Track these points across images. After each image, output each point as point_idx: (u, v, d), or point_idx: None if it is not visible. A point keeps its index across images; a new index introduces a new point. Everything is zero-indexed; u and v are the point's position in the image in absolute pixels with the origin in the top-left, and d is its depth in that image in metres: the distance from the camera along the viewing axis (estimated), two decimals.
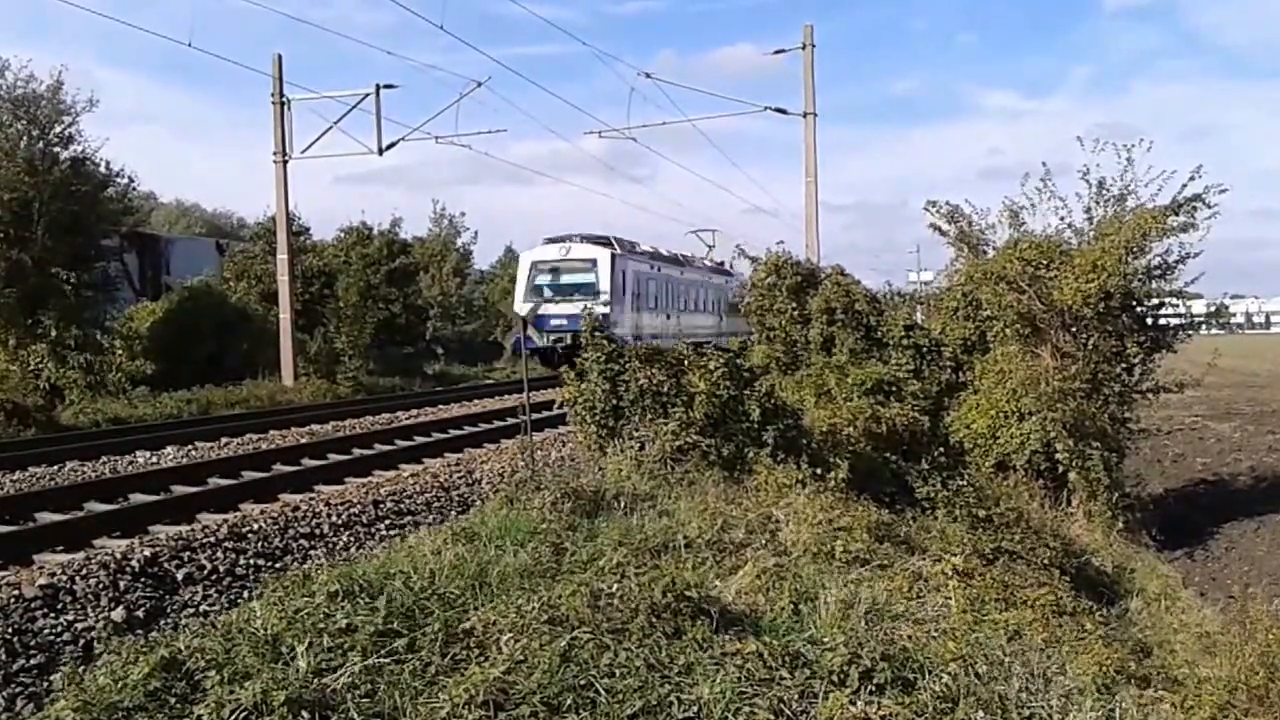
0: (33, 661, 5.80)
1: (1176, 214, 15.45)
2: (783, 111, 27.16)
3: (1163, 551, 14.95)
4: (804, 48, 26.77)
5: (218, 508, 10.20)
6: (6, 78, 24.40)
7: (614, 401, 11.21)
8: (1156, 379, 16.65)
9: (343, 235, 39.36)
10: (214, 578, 7.63)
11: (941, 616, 7.14)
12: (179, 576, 7.46)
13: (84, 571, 7.11)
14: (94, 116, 29.28)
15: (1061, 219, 16.77)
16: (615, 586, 6.27)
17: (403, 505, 10.41)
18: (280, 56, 27.24)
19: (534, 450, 11.08)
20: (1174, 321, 16.85)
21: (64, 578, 6.95)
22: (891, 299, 19.30)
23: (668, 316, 36.85)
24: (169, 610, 6.93)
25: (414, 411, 21.29)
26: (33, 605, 6.47)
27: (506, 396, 23.51)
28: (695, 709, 4.84)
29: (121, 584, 7.06)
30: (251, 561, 8.10)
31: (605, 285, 31.12)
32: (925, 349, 17.22)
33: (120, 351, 25.95)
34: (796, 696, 5.02)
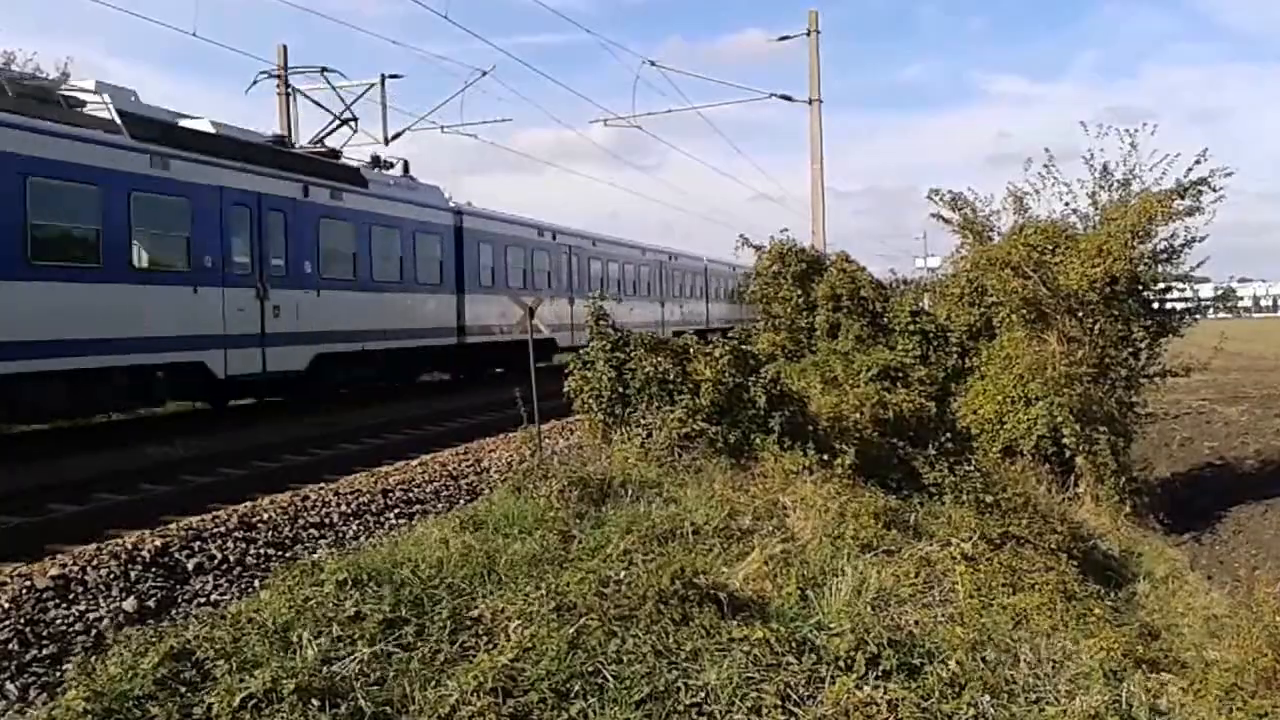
0: (45, 651, 5.84)
1: (1182, 198, 15.40)
2: (788, 98, 27.09)
3: (1170, 535, 14.94)
4: (809, 34, 26.66)
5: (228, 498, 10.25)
6: (12, 70, 24.41)
7: (620, 389, 11.23)
8: (1163, 363, 16.62)
9: None
10: (224, 567, 7.67)
11: (949, 601, 7.16)
12: (189, 566, 7.50)
13: (95, 562, 7.16)
14: None
15: (1066, 204, 16.75)
16: (623, 574, 6.31)
17: (411, 494, 10.45)
18: (285, 47, 27.19)
19: (541, 439, 11.10)
20: (1180, 306, 16.80)
21: (75, 568, 6.99)
22: (897, 286, 19.27)
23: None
24: (180, 600, 6.97)
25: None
26: (44, 596, 6.51)
27: None
28: (702, 695, 4.87)
29: (133, 574, 7.10)
30: (262, 551, 8.14)
31: None
32: (931, 335, 17.20)
33: None
34: (803, 682, 5.05)
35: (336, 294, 18.61)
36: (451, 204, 23.98)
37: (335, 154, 20.76)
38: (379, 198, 20.42)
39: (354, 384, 20.28)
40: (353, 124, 22.00)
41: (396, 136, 27.32)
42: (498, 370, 26.41)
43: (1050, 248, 15.73)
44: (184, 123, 16.13)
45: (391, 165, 22.50)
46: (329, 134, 22.06)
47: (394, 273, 20.83)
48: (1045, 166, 16.68)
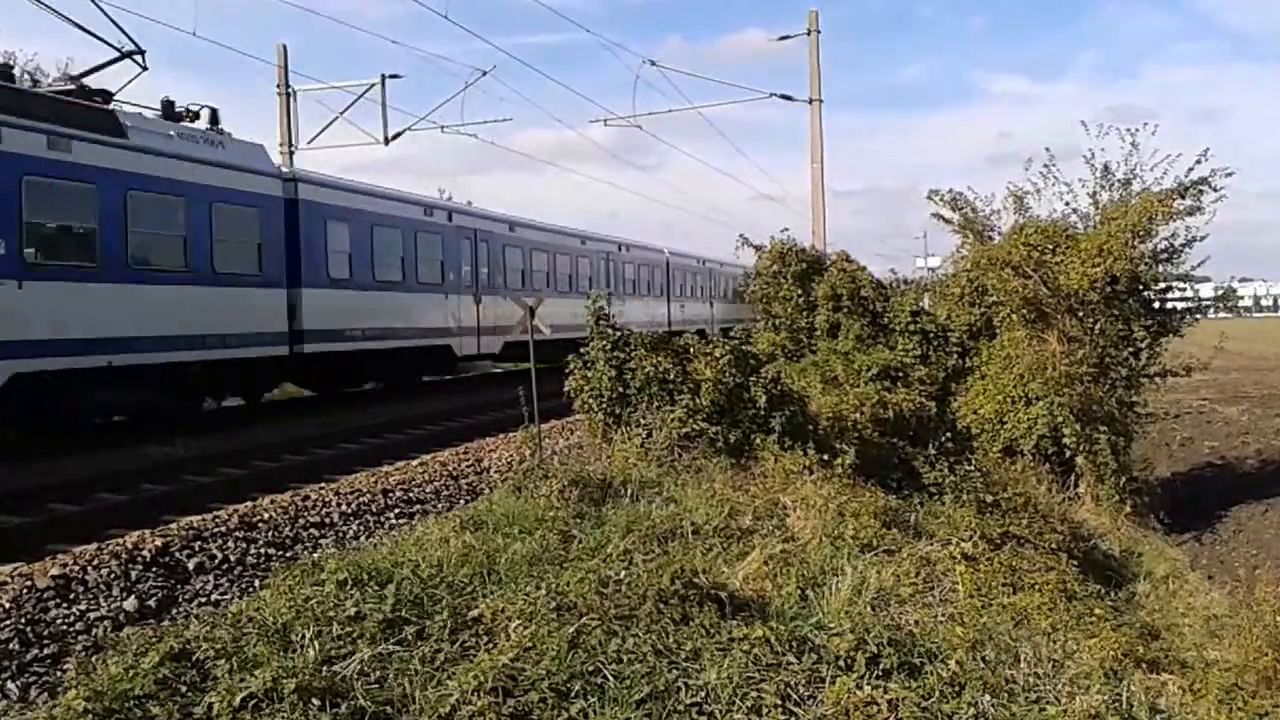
0: (46, 651, 5.84)
1: (1183, 198, 15.40)
2: (788, 98, 27.09)
3: (1170, 535, 14.95)
4: (809, 33, 26.67)
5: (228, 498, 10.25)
6: (14, 71, 24.44)
7: (620, 389, 11.24)
8: (1164, 363, 16.62)
9: None
10: (225, 567, 7.67)
11: (949, 601, 7.16)
12: (190, 566, 7.50)
13: (95, 562, 7.16)
14: None
15: (1067, 204, 16.75)
16: (623, 573, 6.31)
17: (411, 494, 10.44)
18: (285, 47, 27.19)
19: (541, 439, 11.10)
20: (1181, 305, 16.81)
21: (76, 568, 6.99)
22: (897, 286, 19.29)
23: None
24: (180, 600, 6.97)
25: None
26: (45, 595, 6.51)
27: None
28: (702, 694, 4.87)
29: (133, 574, 7.10)
30: (262, 551, 8.14)
31: None
32: (932, 334, 17.22)
33: None
34: (803, 681, 5.05)
35: (56, 286, 13.00)
36: (286, 171, 18.73)
37: (107, 95, 15.20)
38: (148, 153, 14.62)
39: (118, 411, 15.45)
40: (138, 58, 15.90)
41: (396, 136, 27.40)
42: (366, 386, 21.68)
43: (1051, 247, 15.73)
44: None
45: (197, 115, 16.68)
46: (96, 70, 15.99)
47: (174, 258, 15.15)
48: (1046, 166, 16.70)
